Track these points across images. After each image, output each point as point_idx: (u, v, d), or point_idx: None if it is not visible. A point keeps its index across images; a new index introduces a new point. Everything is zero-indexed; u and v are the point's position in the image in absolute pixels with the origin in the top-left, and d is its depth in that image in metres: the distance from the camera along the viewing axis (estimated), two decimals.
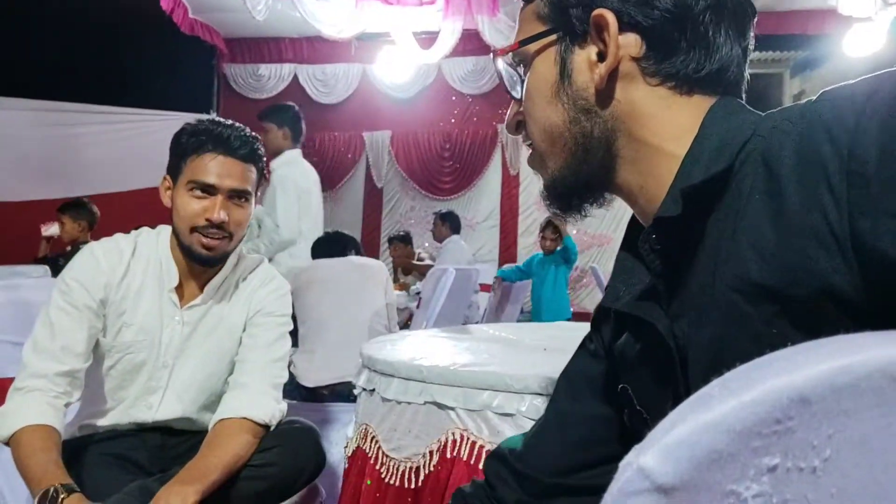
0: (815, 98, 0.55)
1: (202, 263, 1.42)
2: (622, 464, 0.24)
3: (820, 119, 0.52)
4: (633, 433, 0.73)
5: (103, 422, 1.42)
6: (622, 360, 0.72)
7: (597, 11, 0.63)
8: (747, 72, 0.67)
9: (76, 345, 1.31)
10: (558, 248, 4.94)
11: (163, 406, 1.43)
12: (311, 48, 7.24)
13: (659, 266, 0.64)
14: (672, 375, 0.63)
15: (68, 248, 4.39)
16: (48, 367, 1.29)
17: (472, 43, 6.22)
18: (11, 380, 1.40)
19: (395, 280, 5.64)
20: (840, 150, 0.49)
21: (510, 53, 0.71)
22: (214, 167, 1.36)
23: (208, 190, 1.37)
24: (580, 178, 0.68)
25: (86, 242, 4.34)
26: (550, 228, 4.93)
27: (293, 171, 3.27)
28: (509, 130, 0.75)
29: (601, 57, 0.64)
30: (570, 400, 0.82)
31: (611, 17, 0.62)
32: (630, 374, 0.71)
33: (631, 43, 0.63)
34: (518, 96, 0.72)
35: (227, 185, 1.37)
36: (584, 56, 0.66)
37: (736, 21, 0.64)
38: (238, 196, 1.40)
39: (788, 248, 0.51)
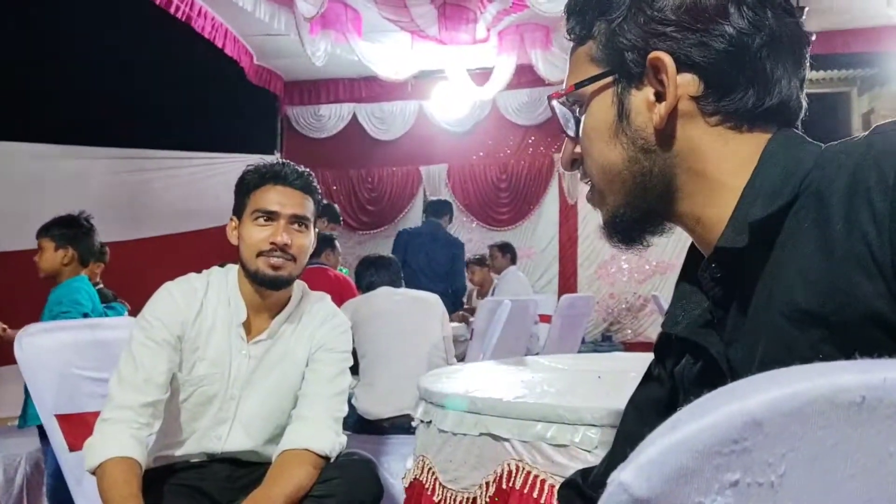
0: (868, 131, 0.57)
1: (270, 286, 1.48)
2: (609, 479, 0.27)
3: (871, 151, 0.54)
4: None
5: (177, 452, 1.50)
6: (682, 383, 0.73)
7: (653, 54, 0.64)
8: (804, 100, 0.67)
9: (157, 377, 1.41)
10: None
11: (231, 437, 1.50)
12: (369, 87, 7.45)
13: (718, 293, 0.66)
14: None
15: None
16: (133, 398, 1.38)
17: (526, 75, 6.29)
18: (94, 413, 1.49)
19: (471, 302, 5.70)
20: (886, 179, 0.51)
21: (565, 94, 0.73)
22: (275, 196, 1.49)
23: (271, 217, 1.48)
24: (639, 212, 0.70)
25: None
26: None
27: None
28: (565, 167, 0.77)
29: (659, 97, 0.65)
30: (639, 424, 0.83)
31: (668, 60, 0.63)
32: (689, 396, 0.72)
33: (688, 82, 0.64)
34: (573, 135, 0.73)
35: (287, 211, 1.49)
36: (641, 97, 0.66)
37: (793, 53, 0.65)
38: (298, 222, 1.50)
39: (833, 274, 0.53)
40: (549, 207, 7.54)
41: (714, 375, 0.65)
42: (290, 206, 1.49)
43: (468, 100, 6.78)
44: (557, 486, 1.18)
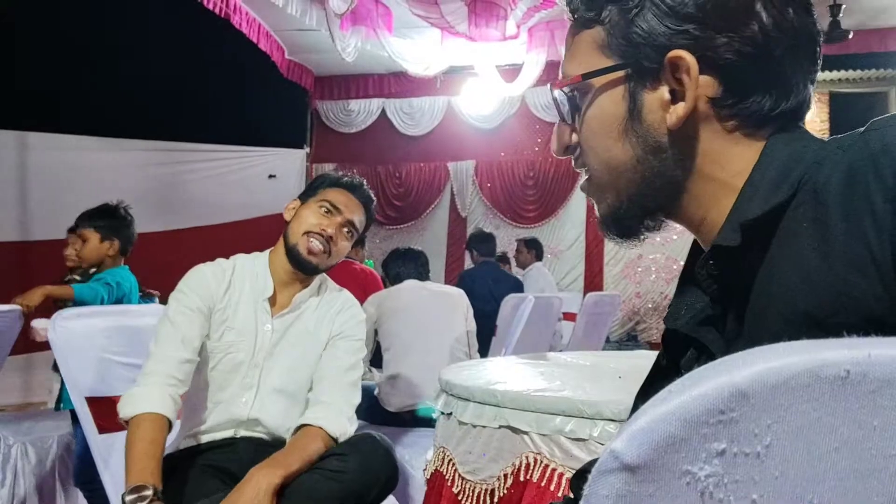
0: (864, 127, 0.55)
1: (301, 268, 1.63)
2: (603, 448, 0.28)
3: (868, 148, 0.53)
4: None
5: (206, 423, 1.60)
6: None
7: (673, 52, 0.61)
8: (813, 95, 0.66)
9: (193, 338, 1.54)
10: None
11: (256, 403, 1.61)
12: (398, 83, 7.49)
13: (716, 291, 0.65)
14: None
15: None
16: (172, 353, 1.50)
17: (555, 72, 6.11)
18: None
19: None
20: (885, 178, 0.50)
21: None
22: (343, 199, 1.68)
23: (332, 211, 1.65)
24: (641, 209, 0.68)
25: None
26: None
27: None
28: (557, 153, 0.73)
29: (674, 96, 0.62)
30: None
31: (691, 60, 0.60)
32: None
33: (708, 84, 0.61)
34: (571, 122, 0.70)
35: (347, 214, 1.67)
36: (655, 95, 0.63)
37: (808, 55, 0.63)
38: (349, 228, 1.67)
39: (832, 276, 0.52)
40: (576, 205, 7.51)
41: None
42: (350, 212, 1.67)
43: (497, 96, 6.78)
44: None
